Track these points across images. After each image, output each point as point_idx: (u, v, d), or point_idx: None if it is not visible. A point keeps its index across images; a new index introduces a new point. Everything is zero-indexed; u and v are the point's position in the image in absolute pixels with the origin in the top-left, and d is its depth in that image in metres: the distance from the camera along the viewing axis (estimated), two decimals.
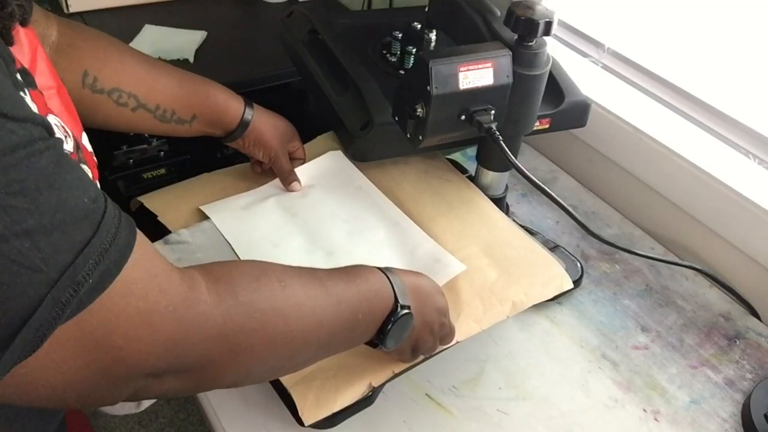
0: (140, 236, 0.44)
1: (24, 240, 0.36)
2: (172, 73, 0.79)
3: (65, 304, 0.38)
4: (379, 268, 0.62)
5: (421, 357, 0.70)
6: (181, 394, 0.50)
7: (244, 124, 0.83)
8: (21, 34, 0.52)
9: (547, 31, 0.73)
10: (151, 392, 0.47)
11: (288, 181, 0.87)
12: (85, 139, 0.55)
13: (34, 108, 0.42)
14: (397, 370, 0.69)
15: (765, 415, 0.72)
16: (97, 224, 0.40)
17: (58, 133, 0.46)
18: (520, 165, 0.75)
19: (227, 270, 0.50)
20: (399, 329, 0.61)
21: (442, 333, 0.68)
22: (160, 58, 1.08)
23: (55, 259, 0.37)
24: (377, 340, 0.61)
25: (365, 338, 0.61)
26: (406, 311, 0.60)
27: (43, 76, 0.53)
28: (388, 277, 0.61)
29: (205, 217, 0.82)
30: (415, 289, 0.63)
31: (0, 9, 0.42)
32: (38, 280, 0.37)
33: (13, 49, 0.47)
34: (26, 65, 0.50)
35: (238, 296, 0.48)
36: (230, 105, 0.82)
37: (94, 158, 0.55)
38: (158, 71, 0.78)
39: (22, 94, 0.41)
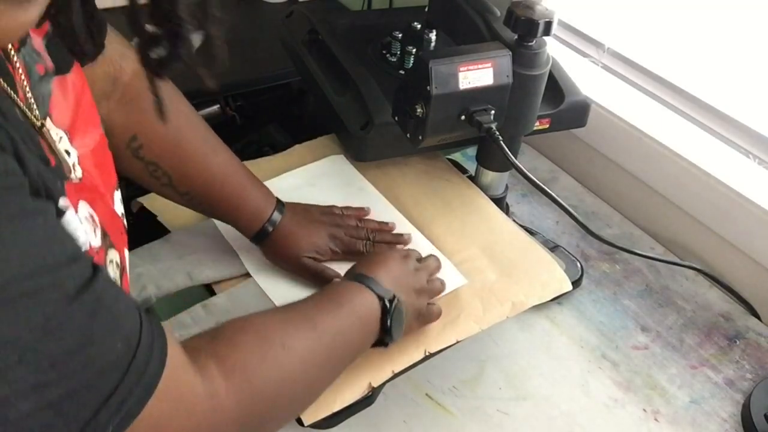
0: (170, 351, 0.42)
1: (48, 411, 0.35)
2: (221, 167, 0.72)
3: None
4: (352, 279, 0.64)
5: (422, 356, 0.70)
6: None
7: (264, 233, 0.75)
8: (68, 79, 0.48)
9: (547, 31, 0.73)
10: None
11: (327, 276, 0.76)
12: (117, 197, 0.53)
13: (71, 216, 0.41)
14: (396, 370, 0.69)
15: (765, 415, 0.72)
16: (126, 367, 0.38)
17: (93, 239, 0.44)
18: (520, 165, 0.75)
19: (233, 349, 0.50)
20: (398, 319, 0.64)
21: (424, 283, 0.70)
22: None
23: (76, 417, 0.36)
24: (386, 338, 0.63)
25: (369, 345, 0.63)
26: (394, 301, 0.63)
27: (81, 133, 0.49)
28: (363, 284, 0.63)
29: (205, 217, 0.82)
30: (381, 270, 0.66)
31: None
32: None
33: (54, 102, 0.45)
34: (66, 123, 0.46)
35: (253, 385, 0.49)
36: (260, 214, 0.74)
37: (124, 222, 0.52)
38: (206, 162, 0.71)
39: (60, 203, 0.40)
